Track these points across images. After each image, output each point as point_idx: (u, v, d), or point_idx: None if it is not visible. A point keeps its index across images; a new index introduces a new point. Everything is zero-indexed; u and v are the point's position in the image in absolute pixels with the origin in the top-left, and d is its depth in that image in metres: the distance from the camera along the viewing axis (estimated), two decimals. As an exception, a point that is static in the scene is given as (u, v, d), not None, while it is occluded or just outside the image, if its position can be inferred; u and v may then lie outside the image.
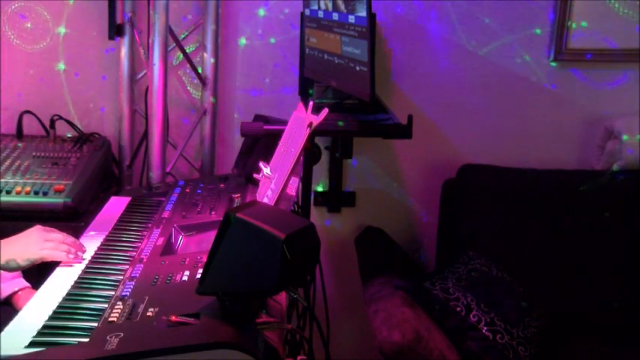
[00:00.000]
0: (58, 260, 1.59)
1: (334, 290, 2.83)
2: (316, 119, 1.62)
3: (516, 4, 2.71)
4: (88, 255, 1.64)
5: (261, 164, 1.75)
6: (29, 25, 2.63)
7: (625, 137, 2.65)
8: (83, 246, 1.67)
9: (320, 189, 2.80)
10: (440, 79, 2.78)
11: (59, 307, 1.37)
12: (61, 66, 2.67)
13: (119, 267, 1.56)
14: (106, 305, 1.34)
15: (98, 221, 1.91)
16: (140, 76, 2.67)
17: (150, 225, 1.83)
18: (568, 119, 2.80)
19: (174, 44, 2.54)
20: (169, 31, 2.41)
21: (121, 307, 1.30)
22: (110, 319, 1.26)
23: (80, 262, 1.60)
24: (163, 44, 2.35)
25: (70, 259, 1.59)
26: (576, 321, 2.47)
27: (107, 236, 1.77)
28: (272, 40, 2.71)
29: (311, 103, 1.71)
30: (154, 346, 1.13)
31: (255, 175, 1.80)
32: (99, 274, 1.53)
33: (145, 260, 1.57)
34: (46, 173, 2.24)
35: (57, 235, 1.64)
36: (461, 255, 2.43)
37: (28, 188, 2.14)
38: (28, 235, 1.63)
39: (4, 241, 1.60)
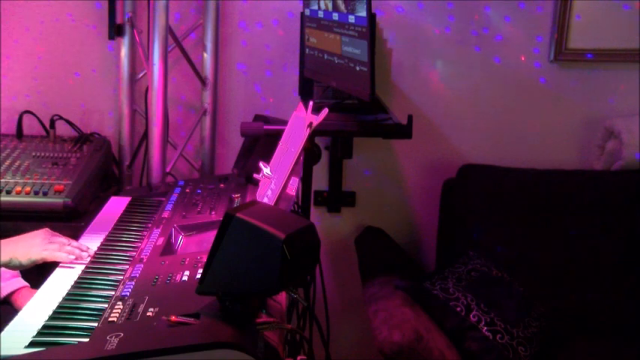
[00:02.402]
0: (59, 261, 1.59)
1: (334, 290, 2.83)
2: (316, 119, 1.62)
3: (516, 4, 2.71)
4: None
5: (261, 164, 1.75)
6: (29, 25, 2.63)
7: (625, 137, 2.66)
8: (88, 248, 1.67)
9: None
10: (440, 79, 2.78)
11: (59, 307, 1.37)
12: (61, 66, 2.67)
13: (119, 267, 1.56)
14: (106, 305, 1.34)
15: (98, 221, 1.91)
16: (140, 76, 2.68)
17: (150, 225, 1.83)
18: (568, 119, 2.80)
19: (175, 44, 2.54)
20: (169, 31, 2.41)
21: (121, 307, 1.30)
22: (110, 319, 1.26)
23: (82, 259, 1.61)
24: (163, 44, 2.35)
25: (71, 259, 1.59)
26: (576, 321, 2.47)
27: (107, 236, 1.77)
28: (272, 40, 2.71)
29: (311, 103, 1.71)
30: (154, 346, 1.13)
31: (255, 175, 1.80)
32: (99, 274, 1.53)
33: (145, 260, 1.57)
34: (46, 173, 2.24)
35: (61, 239, 1.65)
36: (461, 255, 2.43)
37: (28, 188, 2.14)
38: (32, 235, 1.65)
39: (9, 240, 1.61)
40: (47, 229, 1.69)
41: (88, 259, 1.62)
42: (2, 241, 1.61)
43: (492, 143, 2.81)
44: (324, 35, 2.23)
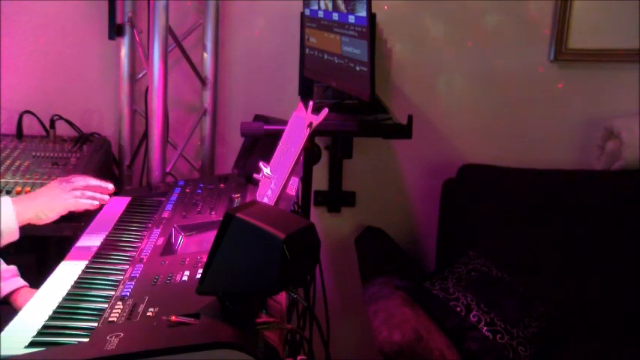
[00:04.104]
0: (84, 209, 1.59)
1: (334, 290, 2.83)
2: (316, 119, 1.62)
3: (516, 3, 2.71)
4: (88, 255, 1.64)
5: (261, 164, 1.75)
6: (29, 25, 2.63)
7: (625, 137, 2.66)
8: (108, 185, 1.68)
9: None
10: (440, 79, 2.78)
11: (59, 307, 1.37)
12: (61, 66, 2.67)
13: (119, 267, 1.56)
14: (106, 305, 1.34)
15: (98, 221, 1.91)
16: (140, 76, 2.68)
17: (150, 225, 1.83)
18: (568, 119, 2.80)
19: (175, 44, 2.54)
20: (169, 31, 2.41)
21: (121, 307, 1.30)
22: (110, 319, 1.26)
23: (105, 202, 1.61)
24: (163, 44, 2.35)
25: (96, 205, 1.59)
26: (576, 321, 2.47)
27: (107, 236, 1.76)
28: (272, 40, 2.71)
29: (311, 103, 1.71)
30: (153, 346, 1.13)
31: (255, 175, 1.80)
32: (99, 274, 1.53)
33: (145, 260, 1.57)
34: (46, 173, 2.23)
35: (79, 183, 1.64)
36: (461, 255, 2.43)
37: (28, 188, 2.14)
38: (50, 187, 1.64)
39: (27, 197, 1.60)
40: (59, 178, 1.68)
41: (85, 255, 1.63)
42: (20, 197, 1.59)
43: (492, 143, 2.81)
44: (324, 35, 2.23)
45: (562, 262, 2.54)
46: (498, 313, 2.19)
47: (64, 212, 1.59)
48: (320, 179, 2.79)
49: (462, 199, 2.63)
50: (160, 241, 1.68)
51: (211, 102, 2.66)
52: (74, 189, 1.61)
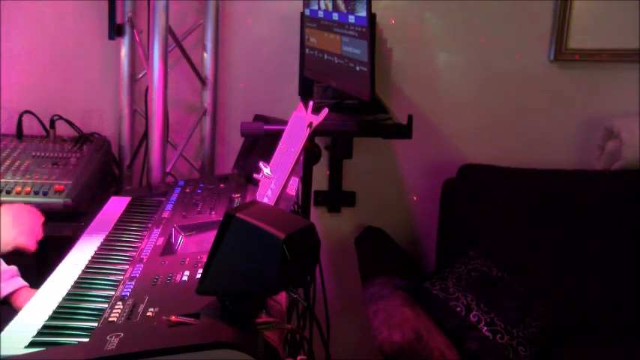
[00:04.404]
0: (29, 250, 1.60)
1: (334, 290, 2.83)
2: (316, 119, 1.62)
3: (516, 3, 2.71)
4: (89, 255, 1.64)
5: (261, 164, 1.75)
6: (29, 25, 2.63)
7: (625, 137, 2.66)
8: (41, 218, 1.72)
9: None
10: (440, 79, 2.78)
11: (59, 307, 1.37)
12: (61, 66, 2.67)
13: (119, 267, 1.56)
14: (106, 305, 1.34)
15: (98, 221, 1.91)
16: (140, 76, 2.68)
17: (150, 225, 1.83)
18: (568, 119, 2.80)
19: (175, 44, 2.54)
20: (169, 31, 2.41)
21: (121, 307, 1.30)
22: (110, 319, 1.26)
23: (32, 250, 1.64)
24: (163, 44, 2.35)
25: (32, 249, 1.60)
26: (576, 321, 2.47)
27: (107, 236, 1.77)
28: (272, 40, 2.71)
29: (311, 103, 1.71)
30: (154, 346, 1.13)
31: (255, 175, 1.80)
32: (99, 274, 1.53)
33: (145, 260, 1.57)
34: (46, 173, 2.24)
35: (27, 219, 1.64)
36: (461, 255, 2.43)
37: (28, 188, 2.14)
38: (2, 220, 1.62)
39: None
40: (6, 205, 1.67)
41: (85, 255, 1.62)
42: None
43: (492, 143, 2.81)
44: (324, 35, 2.23)
45: (562, 262, 2.54)
46: (498, 313, 2.19)
47: (11, 249, 1.58)
48: (320, 179, 2.79)
49: (462, 199, 2.63)
50: (160, 241, 1.68)
51: (211, 102, 2.66)
52: (22, 224, 1.61)
